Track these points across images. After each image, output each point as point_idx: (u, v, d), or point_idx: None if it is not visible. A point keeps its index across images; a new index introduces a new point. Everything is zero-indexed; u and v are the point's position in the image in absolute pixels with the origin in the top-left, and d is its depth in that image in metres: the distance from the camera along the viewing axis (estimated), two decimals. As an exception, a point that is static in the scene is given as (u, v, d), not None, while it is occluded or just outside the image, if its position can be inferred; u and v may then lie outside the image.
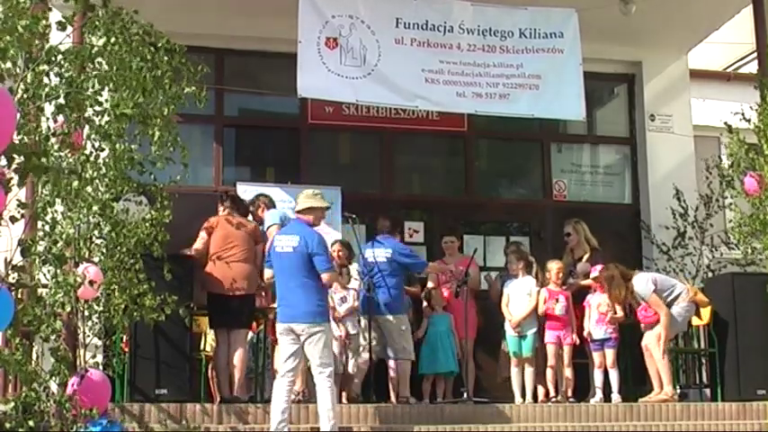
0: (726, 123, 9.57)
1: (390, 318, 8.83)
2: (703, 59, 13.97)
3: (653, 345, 8.82)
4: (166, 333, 7.94)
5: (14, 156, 4.62)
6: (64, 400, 6.46)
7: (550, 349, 9.11)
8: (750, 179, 9.09)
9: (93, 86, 6.47)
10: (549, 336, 9.14)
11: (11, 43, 5.23)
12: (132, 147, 7.15)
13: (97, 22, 6.67)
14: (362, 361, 8.77)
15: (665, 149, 11.82)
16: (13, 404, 6.21)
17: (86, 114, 6.59)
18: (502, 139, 12.14)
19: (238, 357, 8.27)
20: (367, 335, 8.76)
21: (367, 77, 9.62)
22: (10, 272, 5.41)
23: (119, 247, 7.30)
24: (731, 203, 9.85)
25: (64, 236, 6.69)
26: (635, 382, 9.51)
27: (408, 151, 11.77)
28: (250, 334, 8.87)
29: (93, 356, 7.64)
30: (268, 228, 8.92)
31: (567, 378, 9.10)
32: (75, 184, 6.49)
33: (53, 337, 6.58)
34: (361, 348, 8.83)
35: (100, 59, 6.53)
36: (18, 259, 5.58)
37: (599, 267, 9.20)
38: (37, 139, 5.87)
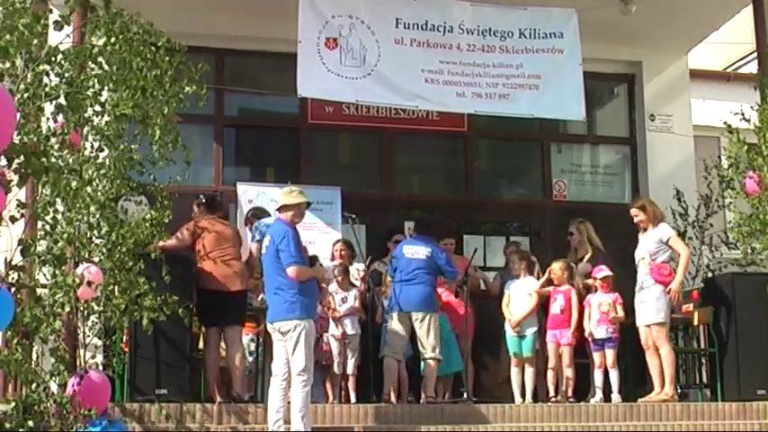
0: (726, 123, 9.57)
1: (424, 314, 8.81)
2: (703, 59, 13.98)
3: (662, 340, 8.77)
4: (166, 333, 7.93)
5: (14, 156, 4.63)
6: (64, 401, 6.45)
7: (550, 349, 9.12)
8: (750, 179, 9.09)
9: (93, 86, 6.48)
10: (549, 335, 9.15)
11: (10, 43, 5.22)
12: (132, 147, 7.15)
13: (97, 22, 6.67)
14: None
15: (665, 149, 11.83)
16: (13, 404, 6.21)
17: (86, 114, 6.60)
18: (502, 139, 12.15)
19: (237, 356, 8.28)
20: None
21: (367, 77, 9.62)
22: (10, 272, 5.42)
23: (118, 248, 7.30)
24: (731, 203, 9.85)
25: (64, 236, 6.69)
26: (635, 382, 9.50)
27: (408, 151, 11.77)
28: (247, 337, 8.88)
29: (93, 356, 7.63)
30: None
31: (568, 378, 9.10)
32: (75, 184, 6.49)
33: (53, 338, 6.58)
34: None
35: (100, 59, 6.54)
36: (18, 259, 5.58)
37: (603, 267, 9.21)
38: (37, 139, 5.86)
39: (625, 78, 12.21)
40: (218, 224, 8.74)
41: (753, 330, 9.15)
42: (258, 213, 9.38)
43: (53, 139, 6.14)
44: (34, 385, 6.40)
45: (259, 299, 8.72)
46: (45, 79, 6.00)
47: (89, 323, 7.35)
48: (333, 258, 9.53)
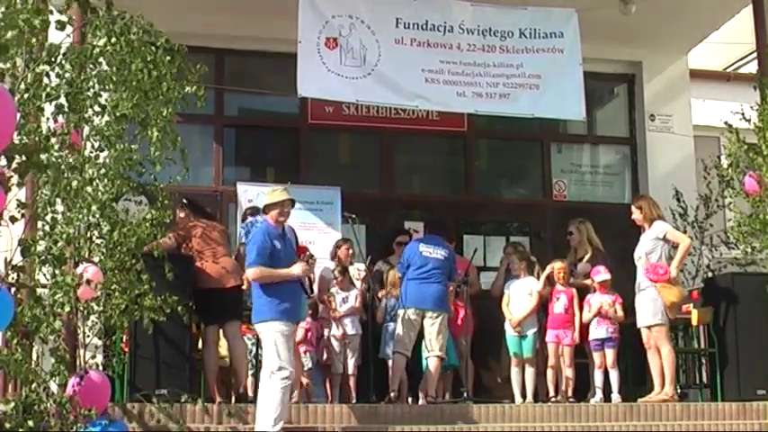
0: (726, 123, 9.57)
1: (438, 314, 8.79)
2: (703, 59, 13.98)
3: (662, 340, 8.77)
4: (166, 333, 7.93)
5: (14, 156, 4.63)
6: (64, 401, 6.45)
7: (551, 348, 9.12)
8: (750, 179, 9.08)
9: (93, 87, 6.47)
10: (549, 335, 9.15)
11: (10, 42, 5.22)
12: (132, 147, 7.15)
13: (98, 23, 6.66)
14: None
15: (664, 149, 11.84)
16: (13, 404, 6.20)
17: (86, 115, 6.60)
18: (502, 139, 12.16)
19: (240, 350, 8.31)
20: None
21: (367, 77, 9.62)
22: (10, 272, 5.41)
23: (119, 247, 7.30)
24: (730, 203, 9.85)
25: (64, 236, 6.69)
26: (635, 382, 9.51)
27: (408, 151, 11.77)
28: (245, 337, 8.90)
29: (93, 356, 7.62)
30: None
31: (567, 378, 9.10)
32: (75, 183, 6.48)
33: (53, 338, 6.57)
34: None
35: (101, 59, 6.53)
36: (18, 259, 5.58)
37: (601, 269, 9.21)
38: (37, 139, 5.86)
39: (625, 78, 12.21)
40: (205, 224, 8.74)
41: (753, 330, 9.15)
42: (253, 212, 9.39)
43: (53, 139, 6.13)
44: (34, 385, 6.39)
45: None
46: (45, 79, 5.99)
47: (89, 323, 7.35)
48: (333, 258, 9.54)
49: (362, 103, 10.39)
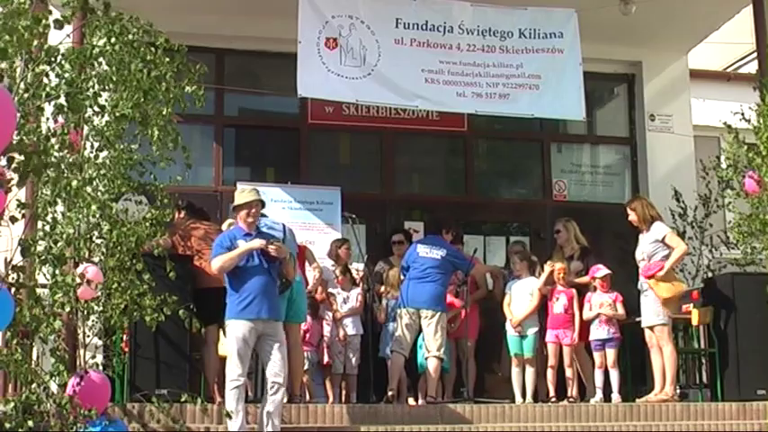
0: (726, 123, 9.57)
1: (434, 312, 8.82)
2: (703, 59, 13.97)
3: (664, 340, 8.77)
4: (166, 333, 7.93)
5: (14, 156, 4.62)
6: (64, 401, 6.45)
7: (551, 348, 9.12)
8: (750, 179, 9.08)
9: (92, 87, 6.47)
10: (551, 335, 9.15)
11: (10, 43, 5.22)
12: (132, 147, 7.15)
13: (97, 24, 6.66)
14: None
15: (664, 149, 11.83)
16: (13, 404, 6.19)
17: (86, 115, 6.59)
18: (502, 139, 12.16)
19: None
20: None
21: (367, 77, 9.63)
22: (10, 272, 5.41)
23: (119, 247, 7.30)
24: (730, 203, 9.85)
25: (64, 236, 6.68)
26: (635, 382, 9.51)
27: (408, 151, 11.77)
28: None
29: (93, 356, 7.62)
30: None
31: (568, 378, 9.11)
32: (75, 183, 6.48)
33: (53, 338, 6.57)
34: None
35: (101, 59, 6.53)
36: (18, 259, 5.57)
37: (600, 265, 9.21)
38: (37, 139, 5.86)
39: (625, 78, 12.21)
40: (201, 225, 8.79)
41: (753, 330, 9.15)
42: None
43: (53, 140, 6.13)
44: (34, 385, 6.38)
45: None
46: (45, 80, 5.99)
47: (89, 323, 7.34)
48: (332, 257, 9.54)
49: (362, 103, 10.39)
